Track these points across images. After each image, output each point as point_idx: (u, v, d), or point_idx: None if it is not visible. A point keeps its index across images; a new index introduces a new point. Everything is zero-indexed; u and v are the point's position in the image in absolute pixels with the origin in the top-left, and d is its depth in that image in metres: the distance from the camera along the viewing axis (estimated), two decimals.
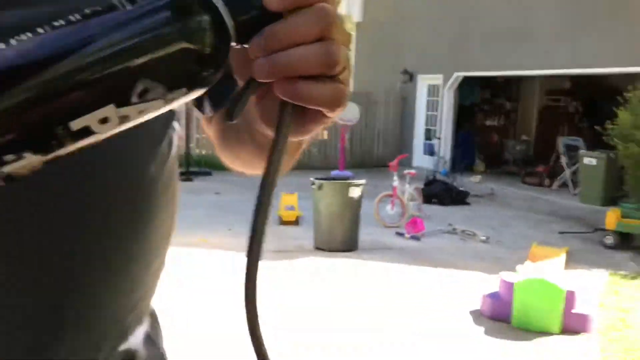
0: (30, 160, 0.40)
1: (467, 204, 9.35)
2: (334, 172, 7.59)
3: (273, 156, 0.48)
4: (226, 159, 0.76)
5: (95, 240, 0.60)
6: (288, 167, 0.63)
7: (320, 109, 0.46)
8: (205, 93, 0.46)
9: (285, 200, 7.22)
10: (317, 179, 6.32)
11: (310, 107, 0.46)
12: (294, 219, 7.17)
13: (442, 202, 9.13)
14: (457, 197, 9.36)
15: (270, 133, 0.50)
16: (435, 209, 8.62)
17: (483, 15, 11.57)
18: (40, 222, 0.57)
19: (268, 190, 0.47)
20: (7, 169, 0.40)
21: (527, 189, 10.95)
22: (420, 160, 12.79)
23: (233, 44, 0.44)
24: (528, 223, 8.04)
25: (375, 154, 13.75)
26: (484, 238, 6.92)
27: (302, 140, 0.58)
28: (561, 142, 11.24)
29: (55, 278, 0.58)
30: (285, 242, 6.31)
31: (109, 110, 0.40)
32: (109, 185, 0.61)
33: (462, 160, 12.57)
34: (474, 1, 11.83)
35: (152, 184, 0.65)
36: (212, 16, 0.42)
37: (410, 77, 13.63)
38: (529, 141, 14.04)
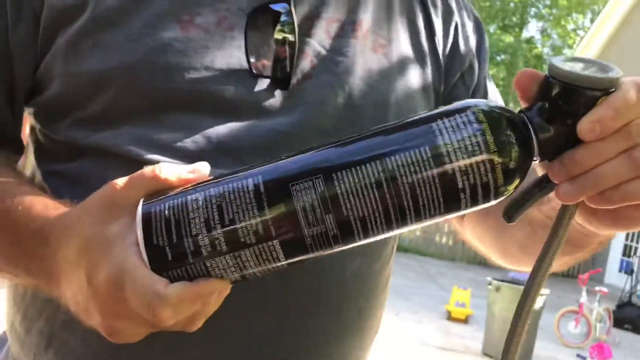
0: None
1: None
2: (513, 274, 7.05)
3: (547, 253, 0.47)
4: (490, 253, 0.76)
5: (328, 322, 0.63)
6: (578, 259, 0.62)
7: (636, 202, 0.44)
8: None
9: (457, 296, 6.83)
10: (495, 279, 5.90)
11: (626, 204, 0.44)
12: (463, 317, 6.74)
13: (636, 330, 8.02)
14: None
15: (587, 226, 0.50)
16: (627, 337, 7.59)
17: None
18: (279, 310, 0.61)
19: (536, 287, 0.48)
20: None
21: None
22: (615, 278, 11.53)
23: (535, 159, 0.45)
24: None
25: None
26: None
27: (605, 240, 0.57)
28: None
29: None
30: (452, 340, 5.93)
31: None
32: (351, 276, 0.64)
33: None
34: None
35: (379, 280, 0.69)
36: (519, 133, 0.44)
37: None
38: None
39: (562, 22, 21.97)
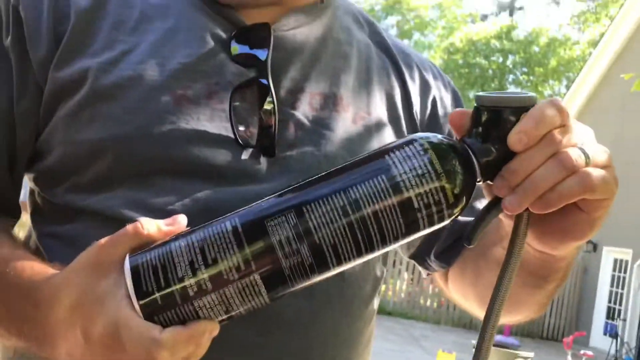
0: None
1: None
2: (498, 338, 6.99)
3: (505, 270, 0.51)
4: (472, 305, 0.78)
5: None
6: (552, 293, 0.65)
7: (574, 200, 0.49)
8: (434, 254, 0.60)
9: (442, 359, 6.72)
10: None
11: (563, 204, 0.49)
12: None
13: None
14: None
15: (542, 249, 0.54)
16: None
17: None
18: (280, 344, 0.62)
19: (498, 305, 0.51)
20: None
21: None
22: (599, 341, 11.42)
23: (479, 181, 0.51)
24: None
25: (545, 324, 12.57)
26: None
27: (567, 265, 0.61)
28: None
29: None
30: None
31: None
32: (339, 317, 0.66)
33: None
34: None
35: (360, 340, 0.70)
36: (461, 157, 0.50)
37: (594, 247, 12.62)
38: None
39: (539, 88, 22.62)
